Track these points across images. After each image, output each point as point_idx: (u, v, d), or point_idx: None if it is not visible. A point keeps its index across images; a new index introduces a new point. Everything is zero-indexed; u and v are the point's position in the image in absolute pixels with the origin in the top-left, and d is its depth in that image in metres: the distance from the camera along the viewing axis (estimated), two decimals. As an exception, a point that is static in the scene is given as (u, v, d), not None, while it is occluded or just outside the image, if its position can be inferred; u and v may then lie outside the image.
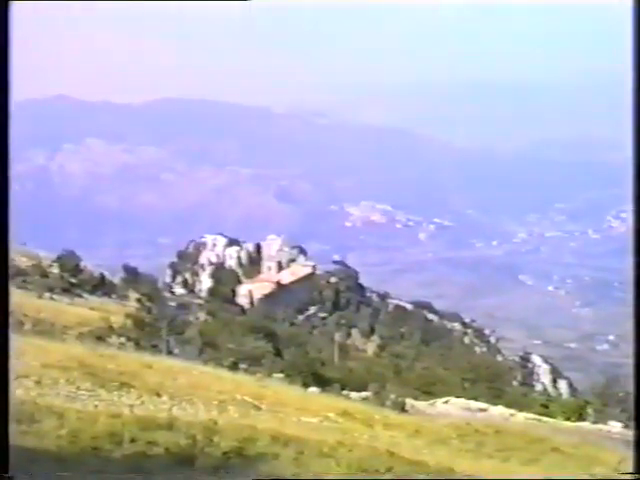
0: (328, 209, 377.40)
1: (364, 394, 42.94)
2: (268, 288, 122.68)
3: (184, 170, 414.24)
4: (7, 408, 10.16)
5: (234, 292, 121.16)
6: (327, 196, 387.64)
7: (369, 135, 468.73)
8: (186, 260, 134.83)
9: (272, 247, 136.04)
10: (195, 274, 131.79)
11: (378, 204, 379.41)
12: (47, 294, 60.78)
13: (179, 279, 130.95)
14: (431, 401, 43.08)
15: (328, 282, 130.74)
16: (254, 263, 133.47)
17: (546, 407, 49.62)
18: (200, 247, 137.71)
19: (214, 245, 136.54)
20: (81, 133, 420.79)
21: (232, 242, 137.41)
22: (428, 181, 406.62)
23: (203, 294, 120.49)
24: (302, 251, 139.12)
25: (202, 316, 79.59)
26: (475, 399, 45.44)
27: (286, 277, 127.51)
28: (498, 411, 40.90)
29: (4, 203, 10.14)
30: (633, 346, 11.43)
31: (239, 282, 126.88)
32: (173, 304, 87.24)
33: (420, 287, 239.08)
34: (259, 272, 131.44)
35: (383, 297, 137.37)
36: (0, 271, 10.19)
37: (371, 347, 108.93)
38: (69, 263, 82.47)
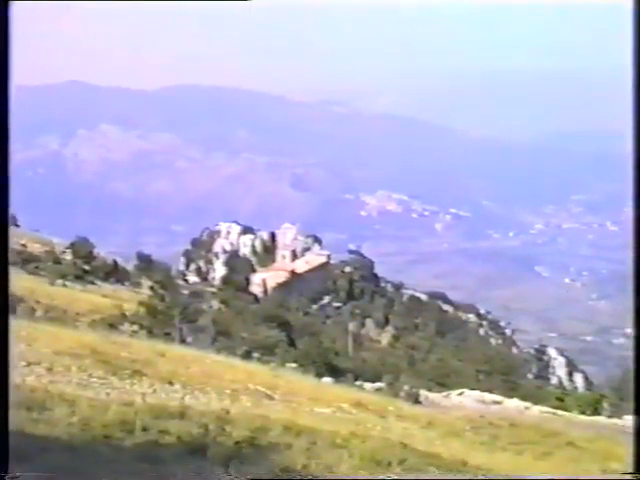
0: (344, 198, 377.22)
1: (378, 385, 42.94)
2: (282, 277, 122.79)
3: (199, 157, 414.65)
4: (7, 409, 10.34)
5: (248, 281, 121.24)
6: (343, 185, 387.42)
7: (386, 124, 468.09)
8: (200, 248, 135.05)
9: (287, 236, 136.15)
10: (209, 262, 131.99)
11: (394, 193, 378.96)
12: (60, 281, 60.88)
13: (193, 267, 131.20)
14: (445, 393, 43.04)
15: (343, 272, 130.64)
16: (268, 252, 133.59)
17: (561, 400, 49.54)
18: (214, 235, 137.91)
19: (228, 233, 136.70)
20: (95, 119, 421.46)
21: (246, 230, 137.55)
22: (445, 171, 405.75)
23: (217, 282, 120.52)
24: (317, 240, 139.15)
25: (215, 304, 79.62)
26: (490, 391, 45.41)
27: (300, 266, 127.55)
28: (513, 404, 40.84)
29: (3, 187, 10.23)
30: (633, 341, 11.63)
31: (253, 271, 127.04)
32: (186, 292, 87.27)
33: (435, 278, 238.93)
34: (273, 261, 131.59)
35: (398, 287, 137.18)
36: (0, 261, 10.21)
37: (385, 338, 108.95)
38: (82, 250, 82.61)
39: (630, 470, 11.86)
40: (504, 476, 18.85)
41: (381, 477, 14.69)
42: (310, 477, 13.55)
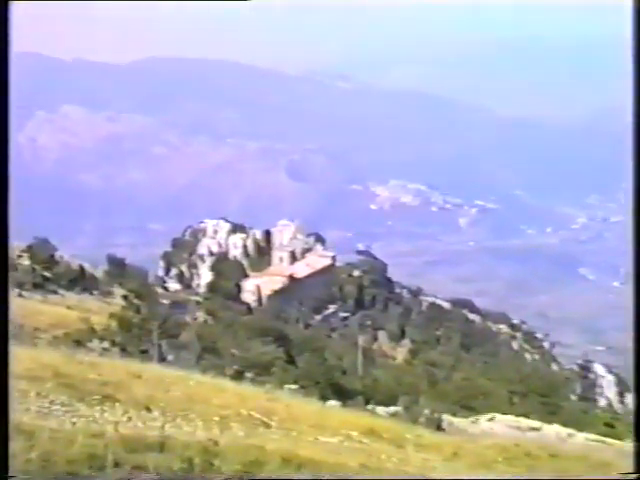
0: (350, 189, 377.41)
1: (393, 409, 42.97)
2: (279, 283, 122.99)
3: (179, 143, 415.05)
4: (7, 409, 11.61)
5: (239, 287, 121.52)
6: (349, 174, 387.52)
7: (399, 102, 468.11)
8: (182, 250, 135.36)
9: (284, 234, 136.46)
10: (193, 266, 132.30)
11: (410, 183, 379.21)
12: (15, 290, 60.95)
13: (174, 272, 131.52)
14: (473, 418, 43.04)
15: (350, 276, 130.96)
16: (263, 253, 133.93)
17: (611, 426, 49.53)
18: (199, 234, 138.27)
19: (215, 232, 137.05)
20: (56, 99, 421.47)
21: (237, 228, 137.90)
22: (469, 156, 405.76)
23: (202, 290, 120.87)
24: (319, 239, 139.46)
25: (201, 316, 79.94)
26: (526, 416, 45.39)
27: (301, 270, 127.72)
28: (553, 430, 40.80)
29: (3, 202, 10.72)
30: (633, 341, 12.77)
31: (245, 276, 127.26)
32: (166, 302, 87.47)
33: (460, 282, 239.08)
34: (269, 264, 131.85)
35: (416, 294, 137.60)
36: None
37: (401, 353, 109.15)
38: (42, 253, 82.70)
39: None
40: (504, 476, 20.21)
41: (383, 477, 14.52)
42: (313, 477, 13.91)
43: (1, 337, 10.78)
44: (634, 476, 13.75)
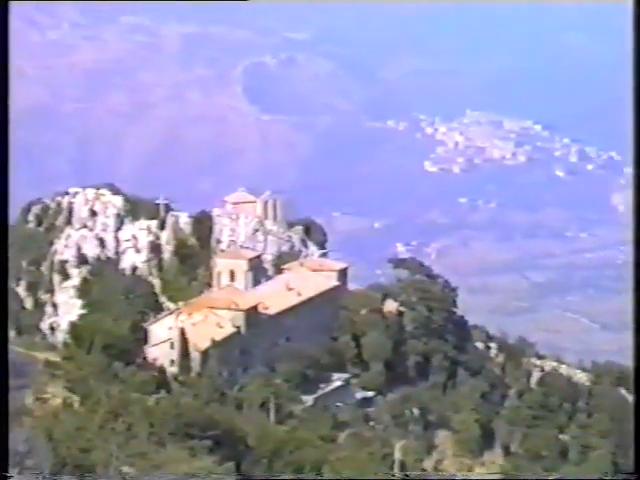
0: (379, 128, 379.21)
1: None
2: (227, 325, 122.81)
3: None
4: (7, 409, 35.88)
5: (144, 334, 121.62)
6: (378, 93, 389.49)
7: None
8: (19, 251, 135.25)
9: (240, 222, 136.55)
10: (41, 287, 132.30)
11: (508, 118, 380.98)
12: None
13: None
14: None
15: (378, 312, 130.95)
16: (194, 261, 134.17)
17: None
18: (56, 218, 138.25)
19: (93, 214, 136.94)
20: None
21: (138, 208, 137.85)
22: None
23: (61, 338, 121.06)
24: (315, 233, 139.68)
25: (57, 394, 79.98)
26: None
27: (275, 297, 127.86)
28: None
29: (3, 204, 16.59)
30: (633, 341, 43.81)
31: (156, 309, 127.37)
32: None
33: (609, 330, 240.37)
34: (206, 284, 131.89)
35: (516, 352, 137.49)
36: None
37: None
38: None
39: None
40: (504, 476, 49.52)
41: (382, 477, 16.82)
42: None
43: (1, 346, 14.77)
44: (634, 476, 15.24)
